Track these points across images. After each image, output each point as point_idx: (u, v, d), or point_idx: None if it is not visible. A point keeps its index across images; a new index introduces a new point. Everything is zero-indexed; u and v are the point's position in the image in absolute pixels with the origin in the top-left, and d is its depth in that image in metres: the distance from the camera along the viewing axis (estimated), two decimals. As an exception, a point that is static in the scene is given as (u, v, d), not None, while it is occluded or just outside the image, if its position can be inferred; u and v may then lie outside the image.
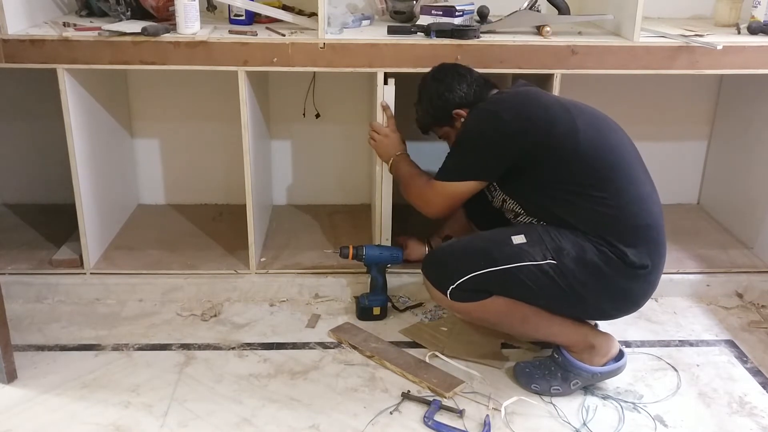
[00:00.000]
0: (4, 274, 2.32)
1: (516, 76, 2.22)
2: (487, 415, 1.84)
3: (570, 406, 1.90)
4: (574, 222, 1.85)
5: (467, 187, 1.95)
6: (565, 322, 1.93)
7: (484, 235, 2.01)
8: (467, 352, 2.09)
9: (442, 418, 1.83)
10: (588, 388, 1.95)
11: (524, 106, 1.91)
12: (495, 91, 2.03)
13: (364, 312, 2.25)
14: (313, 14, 2.38)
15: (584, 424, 1.83)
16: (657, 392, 1.97)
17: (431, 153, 2.38)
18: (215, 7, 2.39)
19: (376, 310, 2.25)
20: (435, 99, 2.04)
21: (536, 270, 1.83)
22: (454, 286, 1.89)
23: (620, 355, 1.95)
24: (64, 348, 2.11)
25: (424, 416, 1.83)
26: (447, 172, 1.97)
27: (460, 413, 1.85)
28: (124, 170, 2.75)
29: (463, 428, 1.80)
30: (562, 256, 1.83)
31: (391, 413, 1.85)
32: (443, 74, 2.04)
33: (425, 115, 2.09)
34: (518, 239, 1.87)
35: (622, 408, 1.89)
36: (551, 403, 1.90)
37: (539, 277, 1.83)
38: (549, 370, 1.93)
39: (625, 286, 1.86)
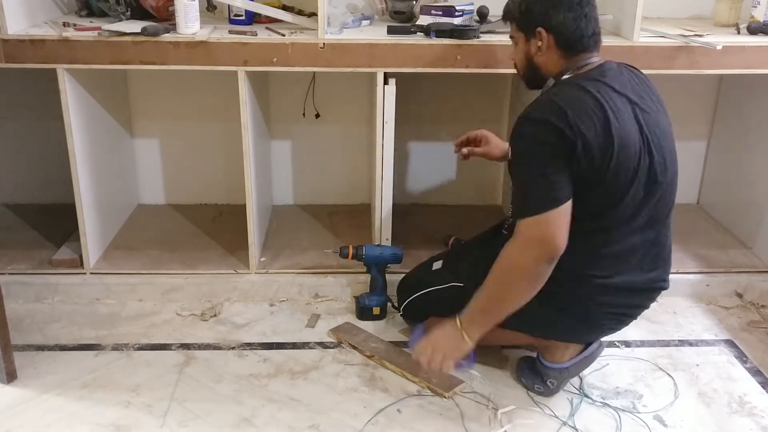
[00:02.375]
0: (4, 274, 2.33)
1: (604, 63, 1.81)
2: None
3: (569, 405, 1.90)
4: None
5: (559, 212, 1.64)
6: (507, 331, 1.88)
7: (425, 263, 2.14)
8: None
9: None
10: (587, 388, 1.96)
11: (566, 105, 1.64)
12: (590, 59, 1.76)
13: (364, 312, 2.26)
14: (312, 14, 2.38)
15: (582, 423, 1.84)
16: (656, 392, 1.97)
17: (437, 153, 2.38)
18: (215, 7, 2.39)
19: (376, 310, 2.25)
20: (534, 3, 1.76)
21: (443, 293, 1.99)
22: (400, 313, 2.14)
23: (589, 344, 1.91)
24: (64, 348, 2.11)
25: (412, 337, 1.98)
26: (528, 205, 1.66)
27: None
28: (124, 170, 2.75)
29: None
30: (467, 280, 1.90)
31: (399, 411, 1.85)
32: None
33: (516, 7, 1.81)
34: (437, 265, 2.06)
35: (621, 408, 1.90)
36: (548, 404, 1.90)
37: (450, 298, 1.95)
38: (536, 368, 1.94)
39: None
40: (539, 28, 1.75)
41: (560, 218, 1.63)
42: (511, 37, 1.88)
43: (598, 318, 1.83)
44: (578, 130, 1.61)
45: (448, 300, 1.96)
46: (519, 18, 1.81)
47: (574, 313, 1.81)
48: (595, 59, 1.78)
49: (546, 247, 1.63)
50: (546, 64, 1.79)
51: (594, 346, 1.92)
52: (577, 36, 1.74)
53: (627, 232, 1.74)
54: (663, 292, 2.44)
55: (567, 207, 1.64)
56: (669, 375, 2.04)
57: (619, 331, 1.94)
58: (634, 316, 1.90)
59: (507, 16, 1.87)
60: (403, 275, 2.20)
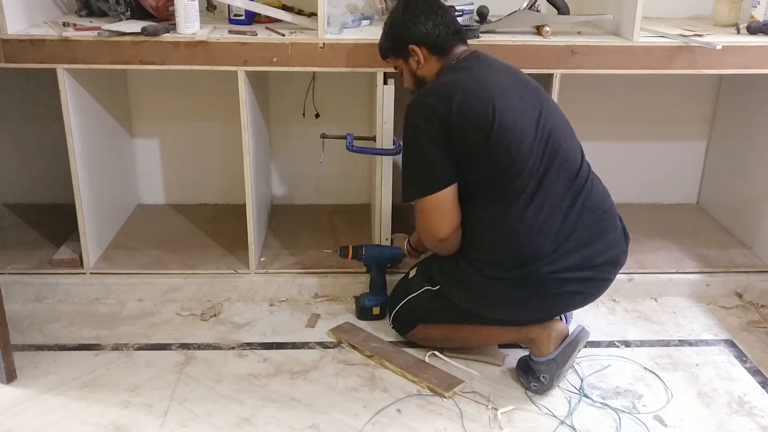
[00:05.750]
0: (4, 274, 2.32)
1: (474, 51, 2.00)
2: None
3: (569, 405, 1.90)
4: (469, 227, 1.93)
5: (444, 195, 1.86)
6: (492, 327, 2.01)
7: (407, 272, 2.16)
8: (466, 351, 2.09)
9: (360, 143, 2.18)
10: (587, 389, 1.96)
11: (446, 88, 1.85)
12: (461, 50, 1.95)
13: (363, 312, 2.26)
14: (312, 14, 2.38)
15: (582, 423, 1.84)
16: (656, 392, 1.97)
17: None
18: (215, 7, 2.39)
19: (376, 310, 2.25)
20: (396, 27, 1.97)
21: (419, 298, 2.04)
22: (391, 326, 2.14)
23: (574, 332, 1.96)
24: (64, 348, 2.11)
25: (346, 145, 2.16)
26: (414, 189, 1.89)
27: (373, 139, 2.20)
28: (124, 170, 2.75)
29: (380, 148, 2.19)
30: (436, 281, 2.00)
31: (399, 411, 1.85)
32: (416, 3, 1.95)
33: (385, 40, 2.01)
34: (412, 273, 2.12)
35: (621, 408, 1.90)
36: (548, 405, 1.90)
37: (427, 302, 2.02)
38: (528, 366, 1.96)
39: (495, 293, 1.91)
40: (411, 46, 1.94)
41: (441, 204, 1.86)
42: (395, 68, 2.06)
43: (543, 284, 1.86)
44: (451, 104, 1.80)
45: (425, 304, 2.03)
46: (391, 48, 2.01)
47: (518, 282, 1.87)
48: (464, 49, 1.97)
49: (430, 237, 1.92)
50: (428, 72, 1.97)
51: (575, 331, 1.94)
52: (442, 38, 1.93)
53: (539, 200, 1.85)
54: (663, 293, 2.46)
55: (448, 191, 1.85)
56: (669, 375, 2.04)
57: (584, 306, 2.05)
58: (588, 288, 1.93)
59: (382, 54, 2.06)
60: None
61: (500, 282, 1.88)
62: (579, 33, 2.32)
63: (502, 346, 2.10)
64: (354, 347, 2.12)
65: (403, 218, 2.40)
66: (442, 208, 1.87)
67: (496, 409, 1.86)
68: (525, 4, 2.29)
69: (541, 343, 1.92)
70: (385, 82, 2.20)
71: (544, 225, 1.84)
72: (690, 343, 2.20)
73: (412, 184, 1.91)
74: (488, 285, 1.90)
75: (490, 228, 1.88)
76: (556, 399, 1.92)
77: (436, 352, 2.08)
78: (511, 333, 2.01)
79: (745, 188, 2.65)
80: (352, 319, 2.27)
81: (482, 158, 1.84)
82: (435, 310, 2.03)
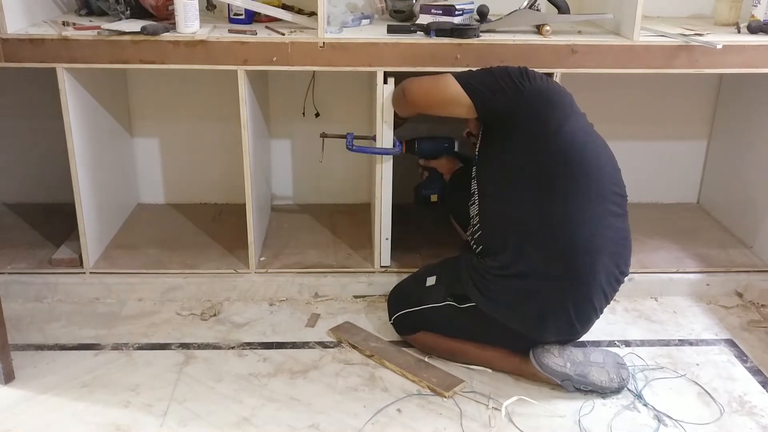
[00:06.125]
0: (4, 273, 2.33)
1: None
2: None
3: (569, 405, 1.90)
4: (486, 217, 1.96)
5: (459, 94, 1.96)
6: (497, 354, 2.00)
7: (417, 273, 2.17)
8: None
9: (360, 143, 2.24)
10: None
11: (545, 82, 1.99)
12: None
13: (421, 201, 2.38)
14: (312, 13, 2.38)
15: (582, 422, 1.84)
16: (656, 391, 1.97)
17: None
18: (215, 6, 2.39)
19: (434, 197, 2.35)
20: None
21: (439, 311, 2.00)
22: (391, 322, 2.12)
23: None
24: (63, 347, 2.10)
25: (347, 144, 2.24)
26: (463, 74, 2.00)
27: (373, 138, 2.23)
28: (123, 170, 2.75)
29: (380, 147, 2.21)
30: (461, 298, 1.97)
31: (399, 411, 1.85)
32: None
33: None
34: (431, 281, 2.07)
35: (621, 407, 1.89)
36: (548, 403, 1.90)
37: (445, 316, 2.00)
38: None
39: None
40: None
41: (449, 93, 1.97)
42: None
43: (579, 273, 1.87)
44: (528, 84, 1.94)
45: (443, 318, 2.01)
46: None
47: (553, 275, 1.86)
48: None
49: (410, 93, 2.07)
50: None
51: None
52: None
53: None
54: (663, 292, 2.46)
55: (465, 98, 1.95)
56: (669, 374, 2.04)
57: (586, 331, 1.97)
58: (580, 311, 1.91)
59: None
60: (395, 285, 2.21)
61: (533, 279, 1.87)
62: (579, 32, 2.32)
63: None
64: (354, 347, 2.12)
65: (403, 218, 2.40)
66: (442, 95, 2.00)
67: (497, 409, 1.86)
68: (525, 3, 2.29)
69: (542, 380, 1.93)
70: (385, 82, 2.19)
71: (579, 220, 1.88)
72: (690, 343, 2.20)
73: (466, 72, 2.01)
74: (518, 285, 1.88)
75: (530, 218, 1.88)
76: (557, 398, 1.92)
77: (436, 352, 2.08)
78: (514, 362, 1.98)
79: (745, 188, 2.65)
80: (352, 318, 2.27)
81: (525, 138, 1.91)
82: (450, 326, 2.02)
